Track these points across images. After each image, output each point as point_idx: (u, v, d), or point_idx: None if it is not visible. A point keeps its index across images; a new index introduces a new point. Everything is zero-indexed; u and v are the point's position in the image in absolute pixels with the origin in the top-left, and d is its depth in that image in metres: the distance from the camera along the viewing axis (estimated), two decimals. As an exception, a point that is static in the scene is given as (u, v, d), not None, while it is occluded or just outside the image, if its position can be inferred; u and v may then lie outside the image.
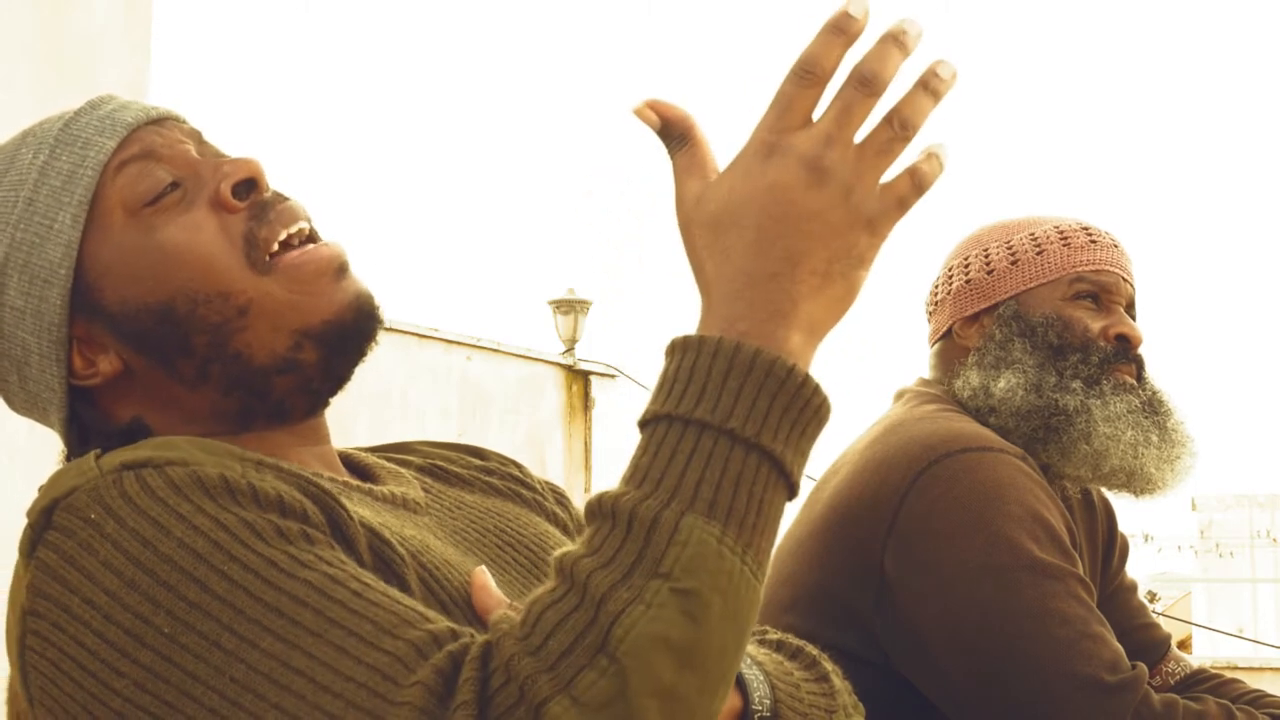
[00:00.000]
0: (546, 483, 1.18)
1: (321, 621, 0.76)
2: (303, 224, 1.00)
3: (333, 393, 1.03)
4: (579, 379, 9.67)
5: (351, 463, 1.08)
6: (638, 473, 0.75)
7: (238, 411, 0.99)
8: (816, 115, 0.78)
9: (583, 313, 10.19)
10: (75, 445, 1.02)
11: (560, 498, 1.18)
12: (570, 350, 9.92)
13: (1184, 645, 12.38)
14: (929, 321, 1.78)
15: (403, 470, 1.09)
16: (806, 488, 1.78)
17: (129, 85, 2.74)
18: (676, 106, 0.80)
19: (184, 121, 1.06)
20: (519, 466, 1.19)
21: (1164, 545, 16.29)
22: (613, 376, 9.84)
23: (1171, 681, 1.71)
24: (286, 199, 1.01)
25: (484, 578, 0.91)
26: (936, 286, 1.76)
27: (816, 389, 0.78)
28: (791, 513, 1.72)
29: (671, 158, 0.80)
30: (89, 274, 0.98)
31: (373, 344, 1.02)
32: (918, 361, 1.79)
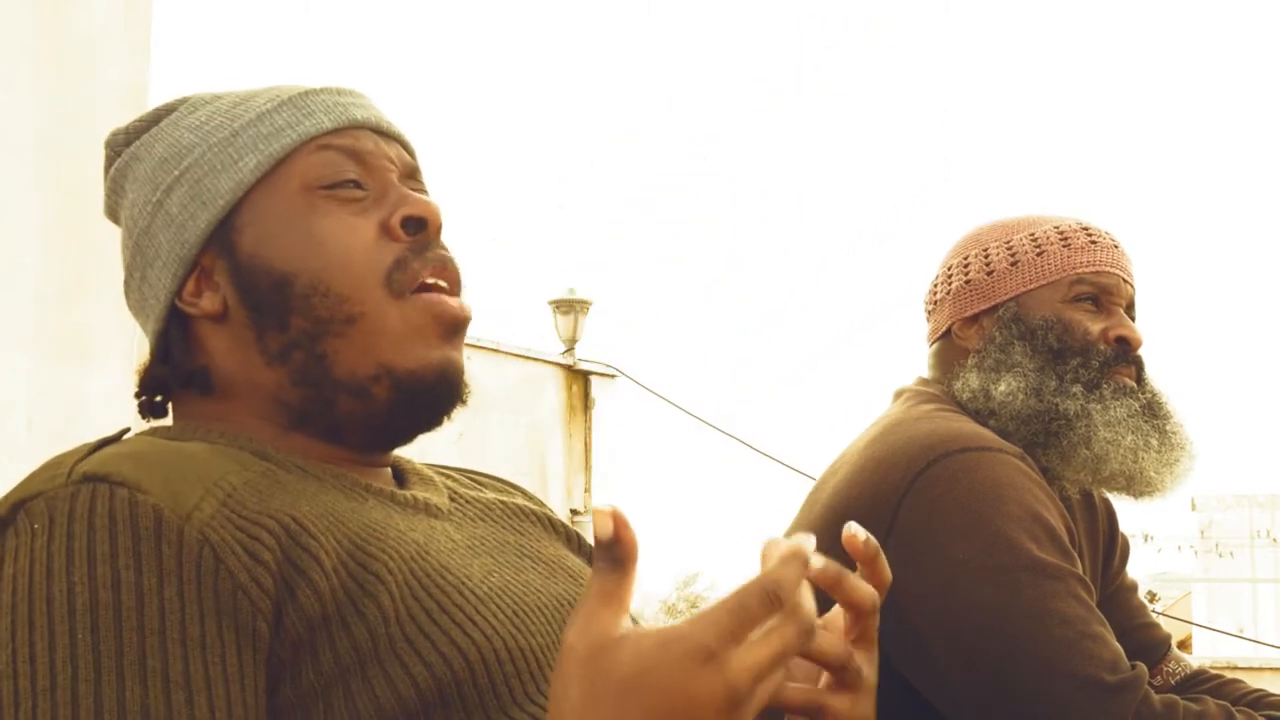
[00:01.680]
0: (576, 531, 1.20)
1: None
2: (445, 284, 1.03)
3: (389, 446, 1.05)
4: (579, 379, 9.66)
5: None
6: None
7: (297, 408, 1.00)
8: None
9: (583, 313, 10.18)
10: (155, 361, 1.05)
11: (583, 542, 1.18)
12: (570, 350, 9.92)
13: (1184, 645, 12.38)
14: (927, 320, 1.78)
15: (435, 477, 1.10)
16: (806, 487, 1.78)
17: (129, 85, 2.73)
18: (635, 535, 0.76)
19: (411, 151, 1.09)
20: (551, 510, 1.20)
21: (1164, 545, 16.28)
22: (613, 376, 9.84)
23: (1172, 681, 1.71)
24: (450, 254, 1.04)
25: (860, 532, 0.84)
26: (935, 286, 1.76)
27: None
28: (791, 512, 1.72)
29: (595, 573, 0.75)
30: (240, 217, 1.02)
31: (444, 418, 1.04)
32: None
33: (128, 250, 1.08)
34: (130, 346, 2.71)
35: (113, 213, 1.12)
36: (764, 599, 0.74)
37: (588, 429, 9.58)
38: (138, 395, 1.07)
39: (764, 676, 0.74)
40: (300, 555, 0.87)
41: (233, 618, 0.84)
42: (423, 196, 1.05)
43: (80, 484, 0.85)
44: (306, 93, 1.06)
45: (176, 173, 1.04)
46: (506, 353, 9.07)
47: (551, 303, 10.28)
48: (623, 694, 0.73)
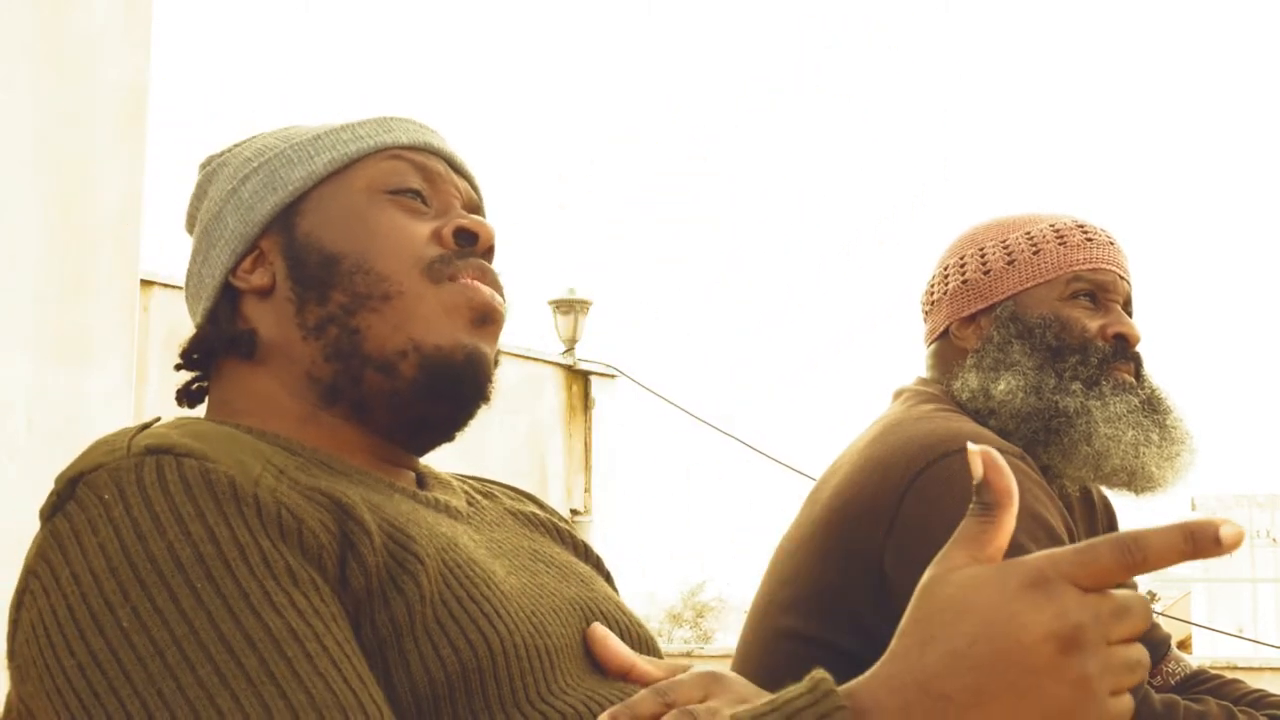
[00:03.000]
0: (584, 541, 1.22)
1: (262, 673, 0.78)
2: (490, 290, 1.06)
3: (413, 433, 1.06)
4: (579, 379, 9.67)
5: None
6: None
7: (327, 384, 1.03)
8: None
9: (583, 313, 10.19)
10: (200, 337, 1.08)
11: (589, 550, 1.21)
12: (570, 350, 9.92)
13: (1184, 645, 12.37)
14: (924, 321, 1.78)
15: (453, 482, 1.13)
16: (806, 487, 1.78)
17: (129, 85, 2.73)
18: (1008, 478, 0.74)
19: (479, 193, 1.15)
20: (567, 521, 1.22)
21: (1164, 545, 16.22)
22: (613, 376, 9.84)
23: (1172, 681, 1.71)
24: (494, 268, 1.08)
25: (602, 631, 0.98)
26: (932, 286, 1.76)
27: None
28: (791, 512, 1.72)
29: (966, 516, 0.74)
30: (303, 203, 1.07)
31: (466, 410, 1.06)
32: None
33: (196, 240, 1.13)
34: (130, 346, 2.72)
35: (191, 221, 1.16)
36: (1118, 550, 0.68)
37: (588, 429, 9.58)
38: (178, 366, 1.10)
39: (1105, 626, 0.68)
40: (353, 529, 0.88)
41: (321, 573, 0.85)
42: (479, 217, 1.09)
43: (144, 455, 0.86)
44: (391, 116, 1.12)
45: (255, 165, 1.10)
46: (506, 353, 8.99)
47: (551, 303, 10.28)
48: (946, 614, 0.71)
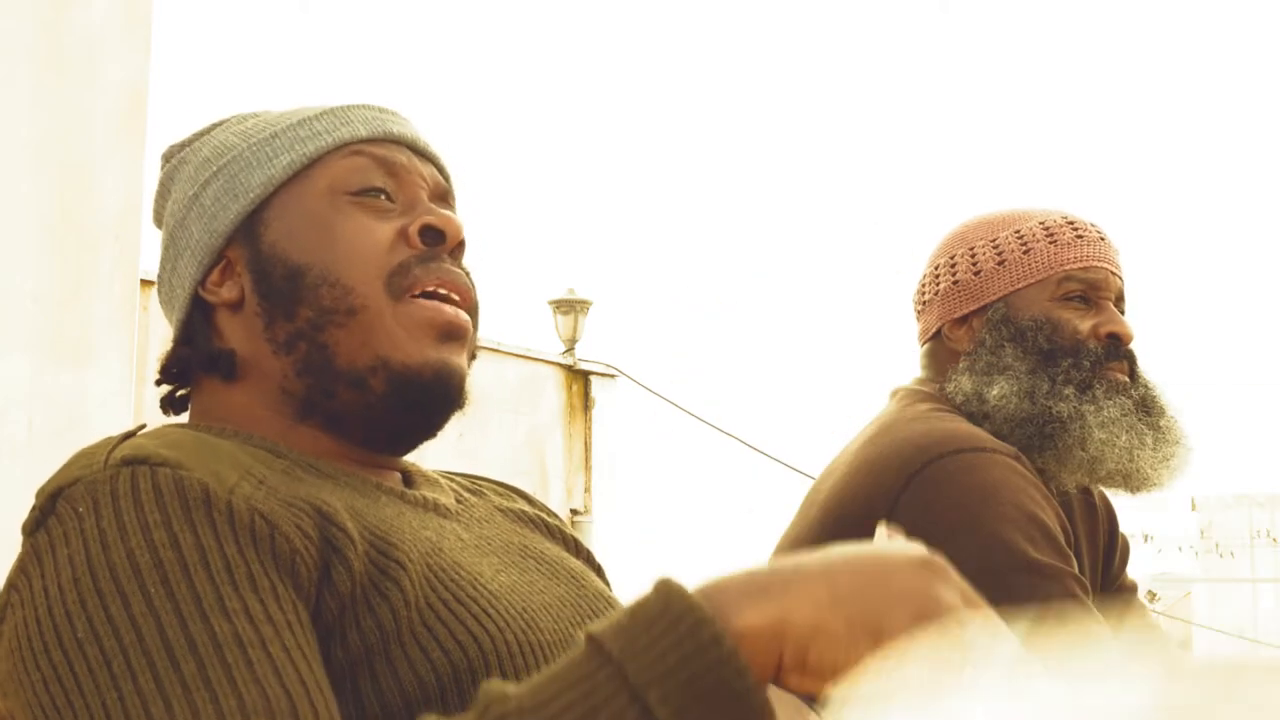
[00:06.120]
0: (574, 535, 1.22)
1: (198, 678, 0.77)
2: (455, 297, 1.05)
3: (388, 444, 1.06)
4: (579, 379, 9.66)
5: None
6: (539, 684, 0.72)
7: (301, 398, 1.02)
8: None
9: (583, 313, 10.18)
10: (176, 352, 1.08)
11: (580, 545, 1.20)
12: (570, 350, 9.92)
13: (1184, 646, 12.36)
14: (917, 321, 1.77)
15: (441, 480, 1.12)
16: (806, 487, 1.78)
17: (129, 85, 2.73)
18: None
19: (446, 175, 1.12)
20: (557, 516, 1.22)
21: (1164, 545, 16.28)
22: (613, 376, 9.84)
23: (1169, 681, 1.71)
24: (462, 268, 1.06)
25: None
26: (923, 286, 1.76)
27: (735, 669, 0.68)
28: (790, 513, 1.72)
29: None
30: (266, 211, 1.05)
31: (440, 421, 1.05)
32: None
33: (164, 245, 1.11)
34: (130, 346, 2.72)
35: (158, 216, 1.15)
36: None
37: (588, 429, 9.58)
38: (158, 381, 1.09)
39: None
40: (335, 534, 0.88)
41: (293, 578, 0.84)
42: (446, 212, 1.07)
43: (119, 467, 0.86)
44: (348, 106, 1.09)
45: (215, 168, 1.08)
46: (506, 353, 9.07)
47: (551, 303, 10.27)
48: (829, 557, 0.73)
